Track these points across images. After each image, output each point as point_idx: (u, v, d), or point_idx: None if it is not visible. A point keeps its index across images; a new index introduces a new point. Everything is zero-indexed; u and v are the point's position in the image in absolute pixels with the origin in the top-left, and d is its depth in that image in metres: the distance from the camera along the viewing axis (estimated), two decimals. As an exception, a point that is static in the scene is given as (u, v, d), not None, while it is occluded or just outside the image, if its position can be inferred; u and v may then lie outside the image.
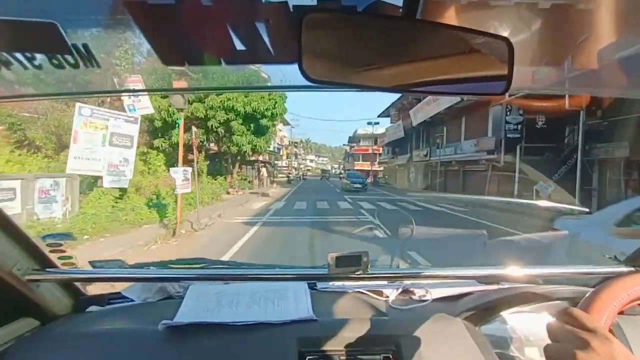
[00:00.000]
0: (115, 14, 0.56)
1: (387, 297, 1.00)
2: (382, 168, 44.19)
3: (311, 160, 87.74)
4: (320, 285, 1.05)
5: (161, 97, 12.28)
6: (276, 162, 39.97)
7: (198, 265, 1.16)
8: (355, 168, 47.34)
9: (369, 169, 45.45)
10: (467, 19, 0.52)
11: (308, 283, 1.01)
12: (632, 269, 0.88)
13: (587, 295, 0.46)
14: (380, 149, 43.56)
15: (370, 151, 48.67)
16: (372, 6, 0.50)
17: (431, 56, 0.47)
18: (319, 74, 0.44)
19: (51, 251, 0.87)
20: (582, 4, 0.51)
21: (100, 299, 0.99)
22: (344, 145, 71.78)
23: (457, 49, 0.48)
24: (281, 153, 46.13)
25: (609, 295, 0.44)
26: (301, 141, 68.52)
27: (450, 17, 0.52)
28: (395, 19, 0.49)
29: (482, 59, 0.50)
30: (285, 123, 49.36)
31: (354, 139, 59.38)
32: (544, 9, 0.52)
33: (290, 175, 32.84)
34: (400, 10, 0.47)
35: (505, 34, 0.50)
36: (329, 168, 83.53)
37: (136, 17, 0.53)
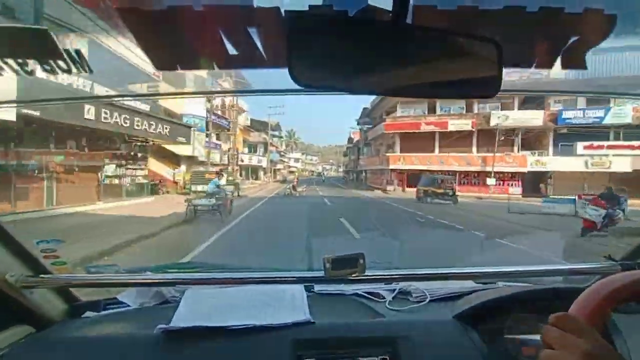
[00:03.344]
0: (107, 20, 0.56)
1: (384, 298, 1.01)
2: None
3: (296, 160, 62.28)
4: (317, 287, 1.05)
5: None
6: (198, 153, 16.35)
7: (194, 269, 1.16)
8: (392, 168, 22.09)
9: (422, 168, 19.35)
10: (457, 23, 0.53)
11: (305, 286, 1.01)
12: (627, 266, 0.89)
13: (580, 295, 0.46)
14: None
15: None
16: (363, 12, 0.51)
17: (422, 60, 0.48)
18: (309, 77, 0.45)
19: (45, 257, 0.86)
20: (570, 9, 0.52)
21: (95, 305, 0.98)
22: (352, 126, 43.73)
23: (447, 52, 0.49)
24: (232, 133, 21.73)
25: (603, 294, 0.45)
26: (277, 124, 36.58)
27: (440, 22, 0.52)
28: (386, 24, 0.49)
29: (472, 61, 0.50)
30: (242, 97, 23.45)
31: (374, 114, 29.56)
32: (532, 13, 0.53)
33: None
34: (391, 15, 0.48)
35: (494, 37, 0.50)
36: (320, 169, 68.00)
37: (128, 23, 0.54)
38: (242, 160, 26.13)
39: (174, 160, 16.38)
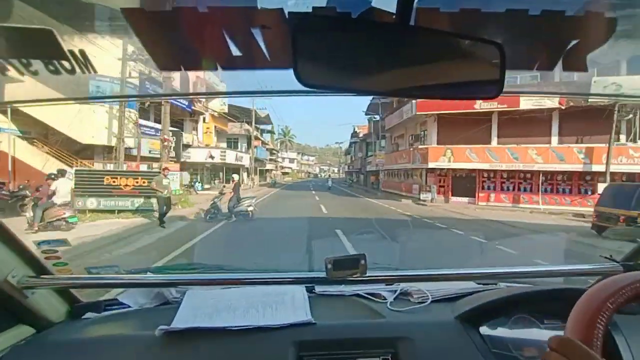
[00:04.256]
0: (112, 21, 0.56)
1: (386, 299, 1.00)
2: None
3: (291, 160, 55.73)
4: (318, 288, 1.05)
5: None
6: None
7: (195, 270, 1.16)
8: (431, 167, 14.17)
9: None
10: (460, 25, 0.53)
11: (306, 286, 1.01)
12: (628, 267, 0.89)
13: (584, 295, 0.46)
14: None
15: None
16: (366, 13, 0.51)
17: (425, 61, 0.48)
18: (314, 78, 0.45)
19: (46, 258, 0.86)
20: (571, 11, 0.53)
21: (96, 306, 0.97)
22: (355, 124, 36.48)
23: (450, 53, 0.49)
24: (164, 102, 10.00)
25: (607, 294, 0.45)
26: (267, 116, 28.35)
27: (443, 24, 0.53)
28: (389, 26, 0.49)
29: (474, 63, 0.51)
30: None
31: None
32: (534, 16, 0.53)
33: None
34: (394, 17, 0.48)
35: (497, 39, 0.51)
36: (317, 170, 62.73)
37: (132, 23, 0.54)
38: (213, 157, 18.46)
39: (84, 153, 9.51)
